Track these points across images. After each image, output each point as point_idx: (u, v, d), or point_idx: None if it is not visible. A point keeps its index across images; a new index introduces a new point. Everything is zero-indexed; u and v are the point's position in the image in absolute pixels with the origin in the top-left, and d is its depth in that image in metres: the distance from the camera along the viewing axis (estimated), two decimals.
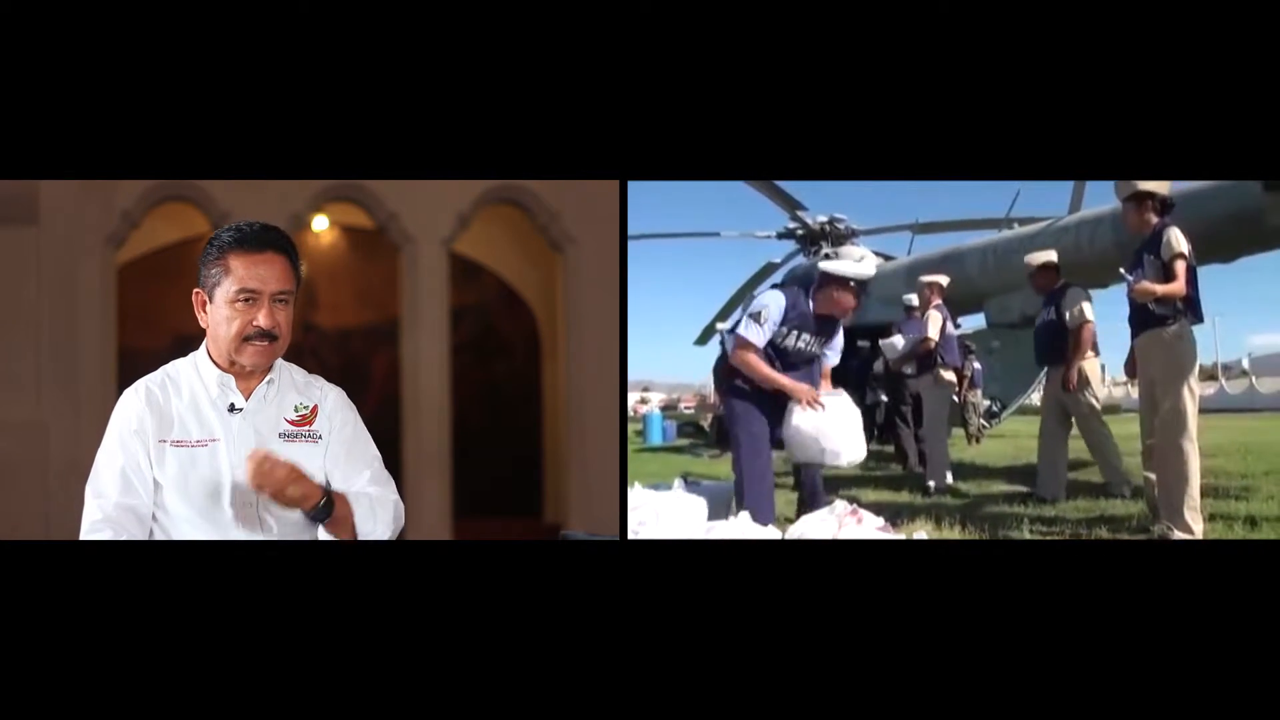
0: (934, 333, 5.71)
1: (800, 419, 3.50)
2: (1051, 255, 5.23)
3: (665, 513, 3.30)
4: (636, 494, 3.45)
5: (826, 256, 9.96)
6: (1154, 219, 3.69)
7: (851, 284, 3.53)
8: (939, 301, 5.92)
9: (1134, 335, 3.74)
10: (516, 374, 7.75)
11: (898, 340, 6.48)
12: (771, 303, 3.56)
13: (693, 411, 20.81)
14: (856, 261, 4.06)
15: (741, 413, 3.62)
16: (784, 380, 3.53)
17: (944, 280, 6.03)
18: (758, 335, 3.54)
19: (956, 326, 6.32)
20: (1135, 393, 4.30)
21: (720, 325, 12.89)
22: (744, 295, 12.06)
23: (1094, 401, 4.87)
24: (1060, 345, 4.83)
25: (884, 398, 7.70)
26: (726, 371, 3.70)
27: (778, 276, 12.12)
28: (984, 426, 8.34)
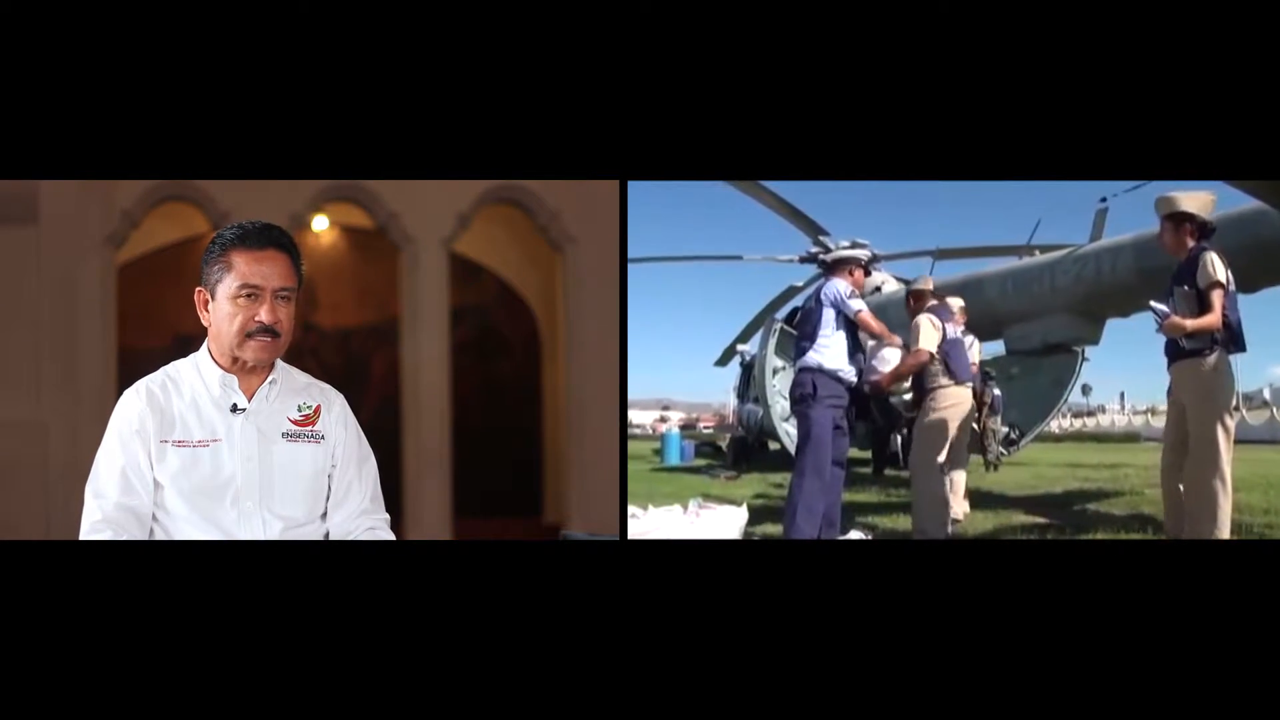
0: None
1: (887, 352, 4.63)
2: (924, 283, 5.00)
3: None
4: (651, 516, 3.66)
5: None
6: (1191, 243, 3.49)
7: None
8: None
9: (1170, 363, 3.51)
10: (516, 374, 7.75)
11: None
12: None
13: (712, 431, 20.79)
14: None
15: (826, 437, 4.20)
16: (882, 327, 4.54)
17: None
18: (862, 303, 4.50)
19: (964, 334, 5.20)
20: (1153, 420, 4.24)
21: (741, 346, 12.90)
22: (765, 318, 12.04)
23: (948, 424, 4.38)
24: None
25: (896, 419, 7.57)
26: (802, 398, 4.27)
27: (799, 300, 12.16)
28: (1003, 454, 8.11)
